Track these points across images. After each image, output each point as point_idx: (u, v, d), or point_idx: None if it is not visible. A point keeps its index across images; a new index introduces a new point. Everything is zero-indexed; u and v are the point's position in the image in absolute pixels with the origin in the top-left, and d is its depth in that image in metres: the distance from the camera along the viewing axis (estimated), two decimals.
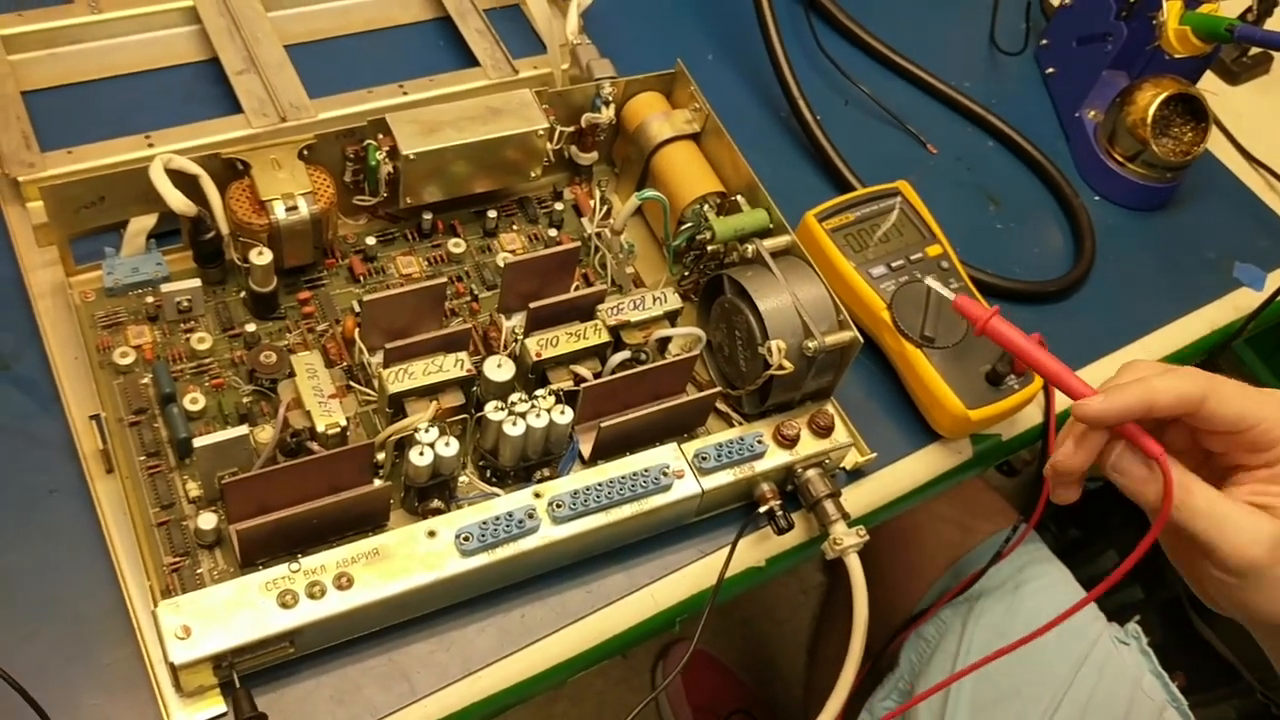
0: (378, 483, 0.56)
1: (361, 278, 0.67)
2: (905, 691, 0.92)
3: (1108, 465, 0.52)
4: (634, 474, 0.59)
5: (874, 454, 0.66)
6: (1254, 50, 1.00)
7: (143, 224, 0.63)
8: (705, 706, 1.35)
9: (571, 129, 0.71)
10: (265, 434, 0.58)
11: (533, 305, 0.62)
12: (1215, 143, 0.93)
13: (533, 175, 0.70)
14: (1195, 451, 0.53)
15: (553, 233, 0.72)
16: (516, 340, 0.62)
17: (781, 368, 0.60)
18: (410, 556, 0.55)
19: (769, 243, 0.65)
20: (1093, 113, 0.89)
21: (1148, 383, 0.50)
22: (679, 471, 0.60)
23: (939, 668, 0.88)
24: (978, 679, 0.85)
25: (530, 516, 0.57)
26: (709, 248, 0.66)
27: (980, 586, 0.88)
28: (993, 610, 0.88)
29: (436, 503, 0.58)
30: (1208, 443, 0.53)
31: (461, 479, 0.60)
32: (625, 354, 0.63)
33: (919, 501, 0.71)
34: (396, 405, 0.59)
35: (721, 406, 0.66)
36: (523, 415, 0.58)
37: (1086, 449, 0.52)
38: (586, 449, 0.61)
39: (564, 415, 0.58)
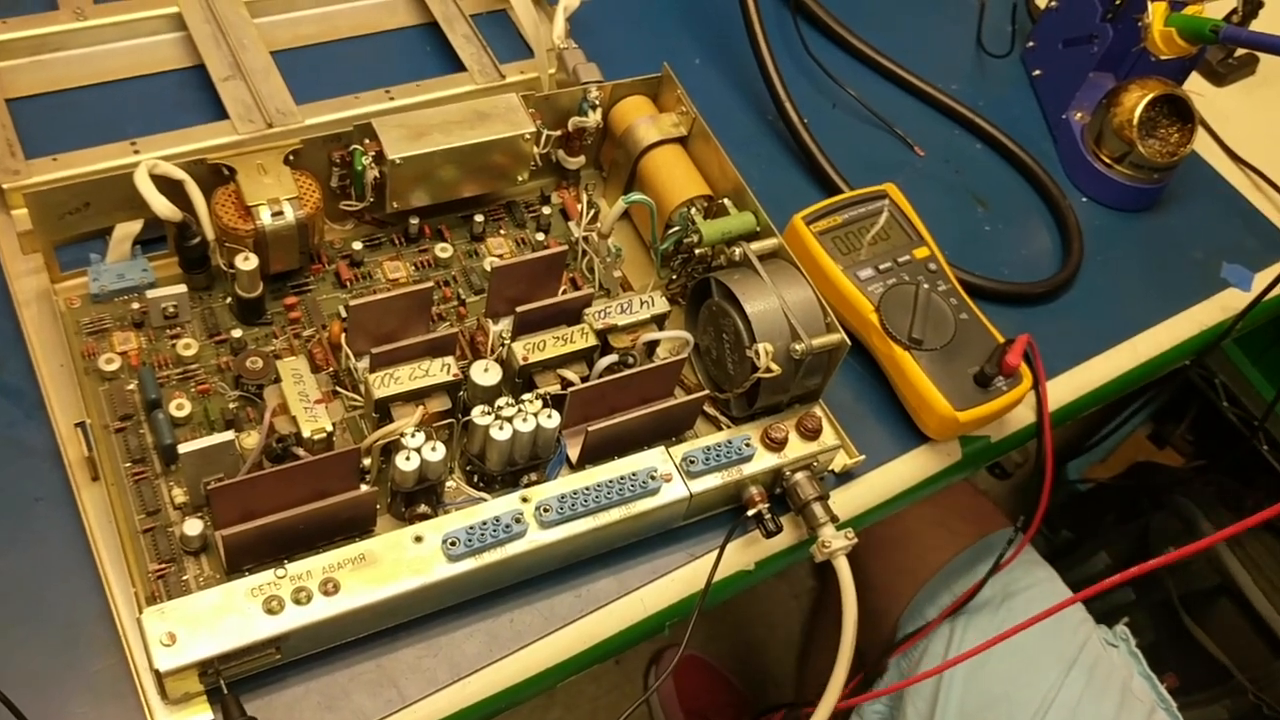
0: (364, 488, 0.56)
1: (348, 283, 0.67)
2: (895, 695, 0.92)
3: None
4: (622, 478, 0.59)
5: (862, 456, 0.66)
6: (1240, 51, 1.00)
7: (128, 230, 0.63)
8: (698, 711, 1.35)
9: (558, 133, 0.71)
10: (251, 440, 0.58)
11: (520, 309, 0.61)
12: (1202, 144, 0.93)
13: (520, 179, 0.70)
14: None
15: (540, 237, 0.72)
16: (503, 345, 0.62)
17: (769, 370, 0.60)
18: (397, 562, 0.55)
19: (756, 246, 0.64)
20: (1079, 114, 0.89)
21: None
22: (667, 475, 0.60)
23: (928, 670, 0.88)
24: (966, 683, 0.85)
25: (517, 521, 0.56)
26: (696, 251, 0.66)
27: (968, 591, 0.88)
28: (982, 617, 0.88)
29: (423, 508, 0.58)
30: None
31: (448, 484, 0.60)
32: (612, 358, 0.63)
33: (908, 504, 0.71)
34: (383, 410, 0.58)
35: (709, 410, 0.66)
36: (509, 420, 0.58)
37: None
38: (574, 453, 0.61)
39: (551, 419, 0.58)
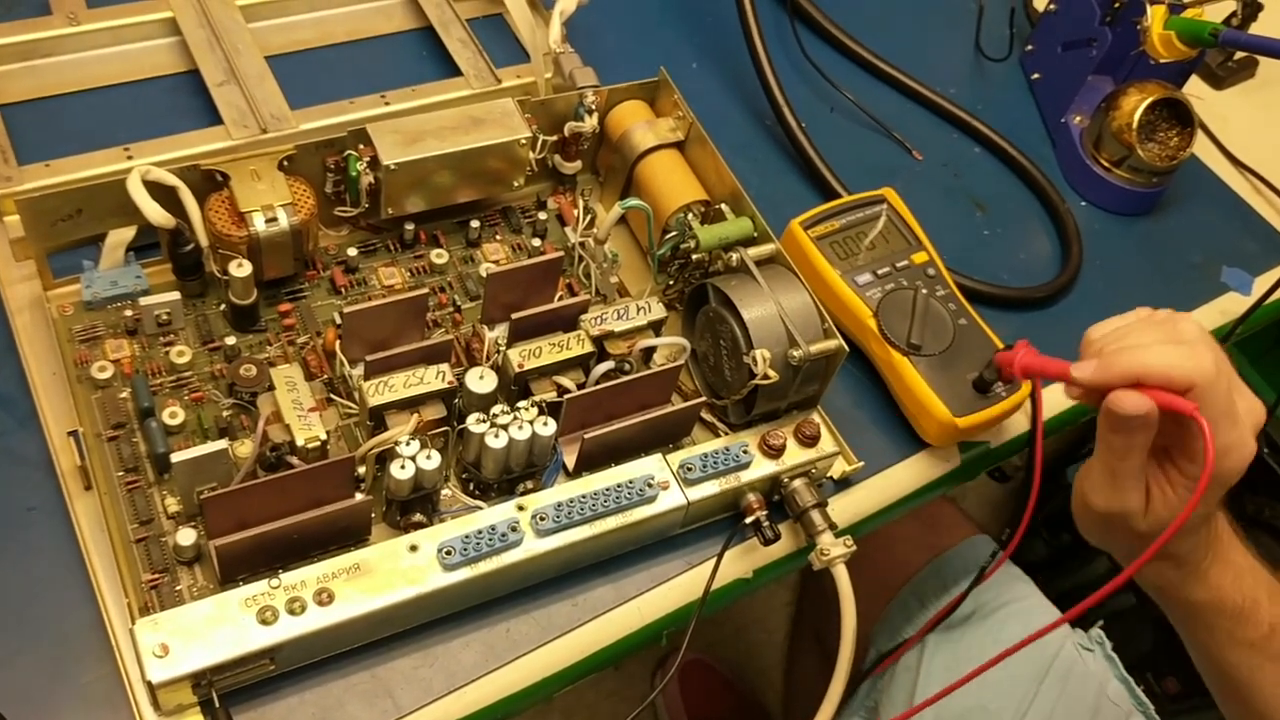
0: (359, 497, 0.56)
1: (343, 289, 0.66)
2: (871, 708, 0.91)
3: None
4: (619, 485, 0.59)
5: (861, 463, 0.66)
6: (1239, 54, 1.00)
7: (121, 237, 0.62)
8: (703, 716, 1.34)
9: (555, 138, 0.71)
10: (245, 448, 0.58)
11: (515, 316, 0.61)
12: (1201, 147, 0.93)
13: (516, 185, 0.70)
14: None
15: (536, 242, 0.71)
16: (499, 351, 0.62)
17: (766, 377, 0.60)
18: (392, 571, 0.54)
19: (753, 251, 0.64)
20: (1078, 118, 0.88)
21: (1139, 355, 0.53)
22: (664, 483, 0.60)
23: (901, 684, 0.87)
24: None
25: (513, 529, 0.56)
26: (693, 256, 0.66)
27: (942, 605, 0.87)
28: (955, 633, 0.87)
29: (418, 516, 0.58)
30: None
31: (444, 492, 0.59)
32: (609, 364, 0.62)
33: (907, 510, 0.70)
34: (377, 418, 0.58)
35: (707, 416, 0.65)
36: (505, 427, 0.57)
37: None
38: (570, 460, 0.61)
39: (547, 427, 0.58)
